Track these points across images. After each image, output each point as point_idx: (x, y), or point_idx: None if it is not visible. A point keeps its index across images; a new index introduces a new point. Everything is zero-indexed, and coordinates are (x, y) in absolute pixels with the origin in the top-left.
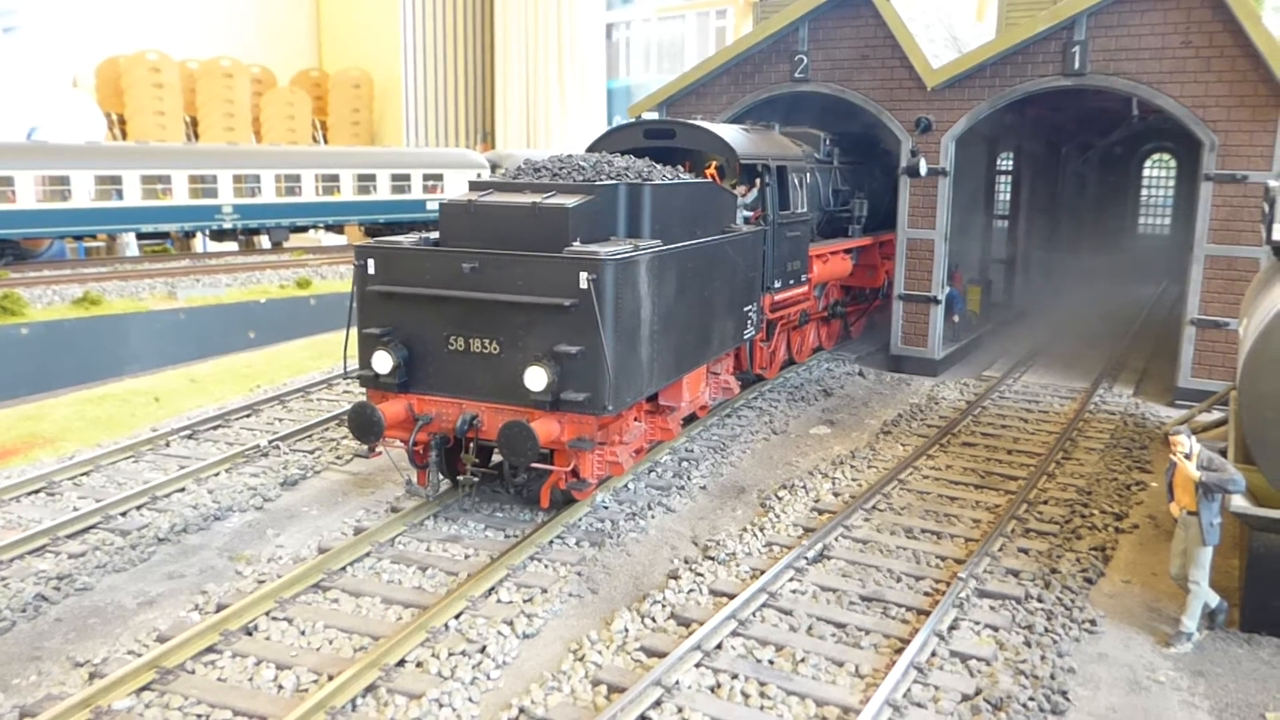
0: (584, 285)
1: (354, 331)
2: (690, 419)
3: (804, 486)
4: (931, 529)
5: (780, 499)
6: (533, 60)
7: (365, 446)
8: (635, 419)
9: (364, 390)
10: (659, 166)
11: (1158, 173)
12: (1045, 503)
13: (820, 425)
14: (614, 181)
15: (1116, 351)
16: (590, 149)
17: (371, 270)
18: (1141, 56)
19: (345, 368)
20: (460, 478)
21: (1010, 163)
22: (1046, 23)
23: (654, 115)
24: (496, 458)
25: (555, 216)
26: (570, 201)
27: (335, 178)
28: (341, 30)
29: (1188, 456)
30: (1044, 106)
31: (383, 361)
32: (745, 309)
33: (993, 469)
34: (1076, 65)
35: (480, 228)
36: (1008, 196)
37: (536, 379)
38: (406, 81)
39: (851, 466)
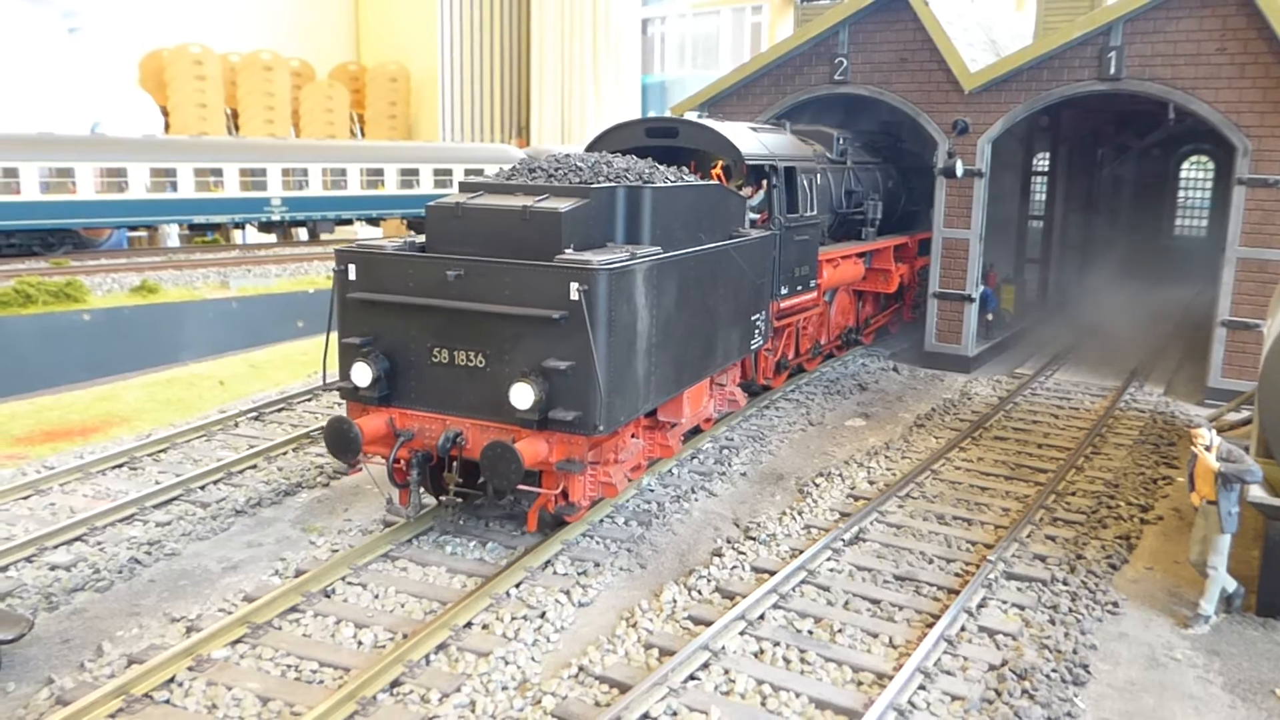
0: (575, 296)
1: (334, 341)
2: (695, 430)
3: (840, 475)
4: (962, 516)
5: (818, 486)
6: (568, 55)
7: (344, 464)
8: (632, 435)
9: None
10: (661, 167)
11: (1195, 174)
12: (1073, 494)
13: (856, 418)
14: (612, 184)
15: (1149, 352)
16: (590, 147)
17: (352, 276)
18: (1177, 62)
19: (324, 379)
20: (443, 498)
21: (1046, 163)
22: (1083, 28)
23: (694, 115)
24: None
25: (547, 221)
26: (564, 205)
27: (380, 172)
28: (379, 24)
29: (1208, 448)
30: (1081, 108)
31: (362, 374)
32: (753, 318)
33: (1023, 461)
34: (1112, 70)
35: (469, 232)
36: (1043, 197)
37: (523, 396)
38: (443, 75)
39: (886, 457)
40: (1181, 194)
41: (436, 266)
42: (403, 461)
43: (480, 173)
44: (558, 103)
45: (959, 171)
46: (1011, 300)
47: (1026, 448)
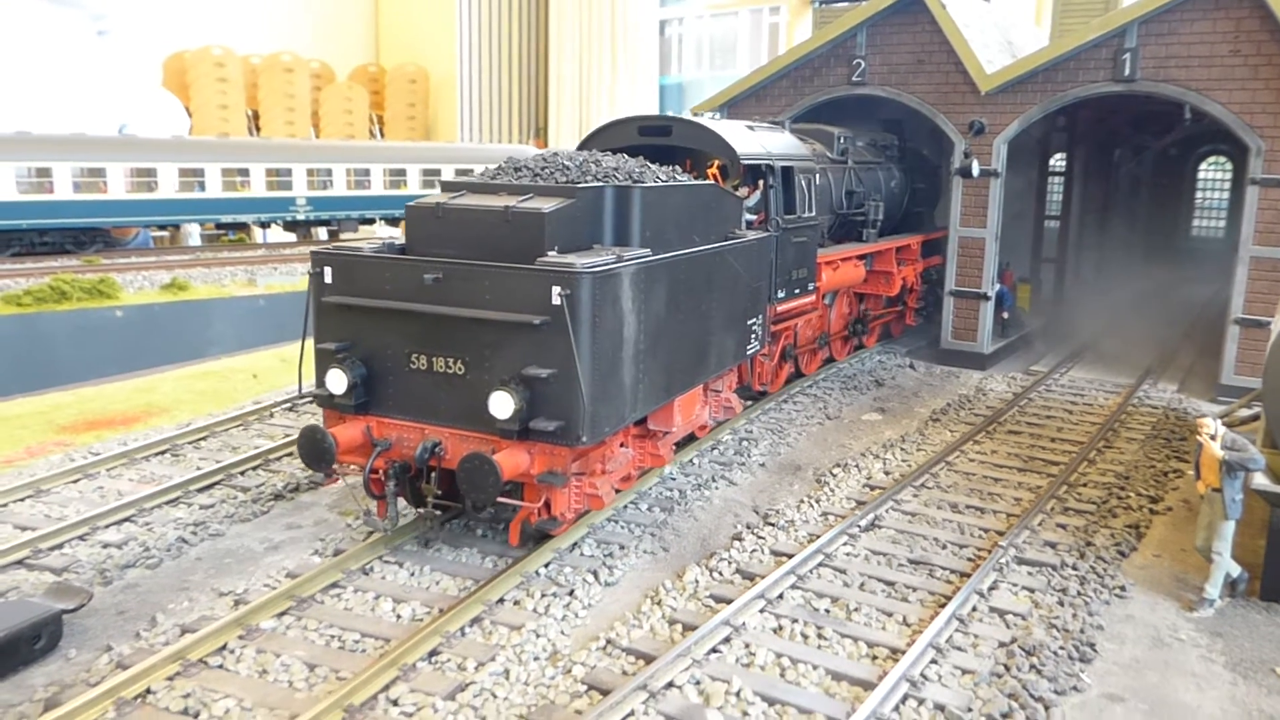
0: (556, 301)
1: (311, 346)
2: (690, 438)
3: (857, 466)
4: (976, 505)
5: (835, 476)
6: (586, 56)
7: (320, 475)
8: (621, 444)
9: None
10: (653, 167)
11: (1213, 175)
12: (1084, 485)
13: (872, 412)
14: (599, 183)
15: (1164, 350)
16: (582, 146)
17: (328, 279)
18: (1191, 64)
19: (300, 387)
20: (422, 509)
21: (1063, 163)
22: (1098, 30)
23: (713, 115)
24: None
25: (529, 222)
26: (547, 206)
27: (402, 172)
28: (398, 26)
29: (1213, 438)
30: (1098, 109)
31: (337, 381)
32: (749, 322)
33: (1036, 454)
34: (1127, 72)
35: (449, 234)
36: (1060, 197)
37: (502, 405)
38: (461, 77)
39: (901, 449)
40: (1199, 194)
41: (414, 269)
42: (380, 471)
43: None
44: (575, 103)
45: (975, 171)
46: (1028, 299)
47: (1040, 441)
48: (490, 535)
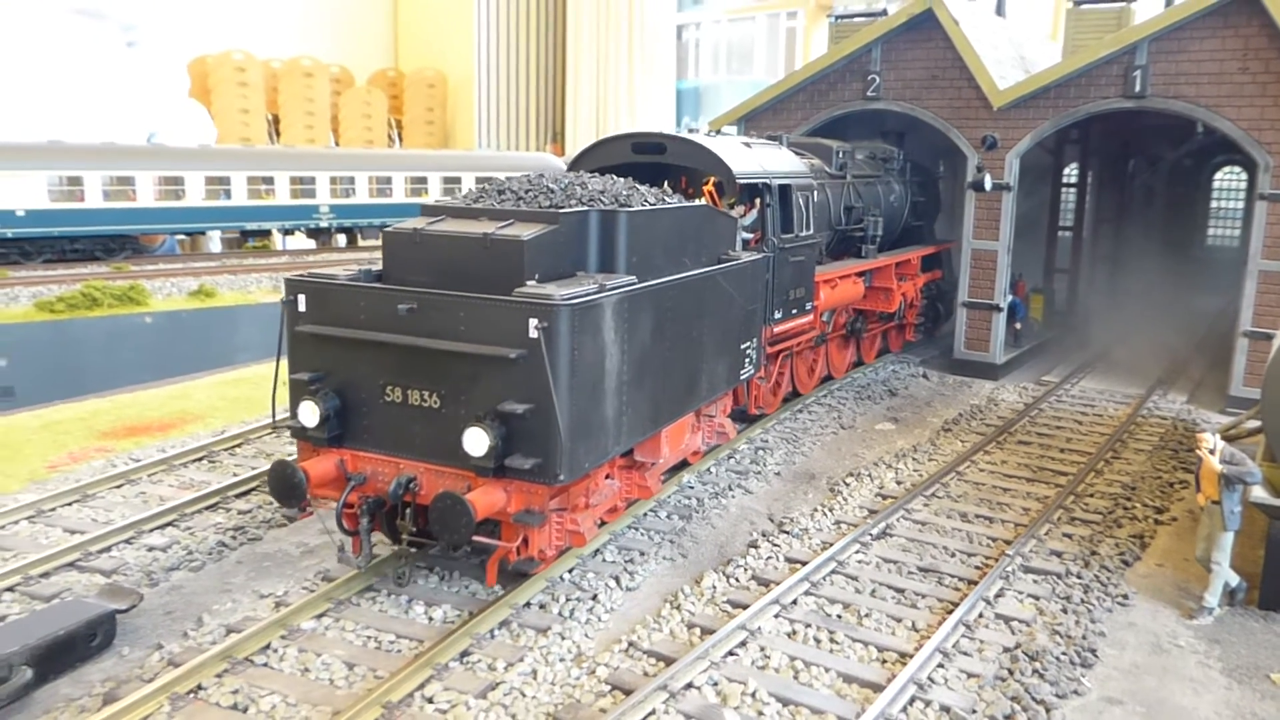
0: (533, 334)
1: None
2: (683, 464)
3: (869, 475)
4: (984, 514)
5: (848, 485)
6: (603, 61)
7: (291, 510)
8: (607, 476)
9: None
10: (642, 188)
11: (1229, 185)
12: (1091, 495)
13: (885, 422)
14: (584, 208)
15: (1175, 360)
16: (573, 165)
17: (302, 307)
18: (1200, 81)
19: (274, 418)
20: (397, 546)
21: (1076, 175)
22: (1109, 47)
23: (732, 130)
24: None
25: (509, 250)
26: (527, 233)
27: (423, 180)
28: (418, 31)
29: (1212, 452)
30: (1111, 121)
31: (309, 413)
32: (743, 346)
33: (1045, 465)
34: (1138, 88)
35: (426, 261)
36: (1073, 208)
37: (477, 442)
38: (479, 82)
39: (913, 459)
40: (1214, 204)
41: (388, 299)
42: (354, 507)
43: None
44: (592, 109)
45: (987, 185)
46: (1040, 309)
47: (1049, 452)
48: None
